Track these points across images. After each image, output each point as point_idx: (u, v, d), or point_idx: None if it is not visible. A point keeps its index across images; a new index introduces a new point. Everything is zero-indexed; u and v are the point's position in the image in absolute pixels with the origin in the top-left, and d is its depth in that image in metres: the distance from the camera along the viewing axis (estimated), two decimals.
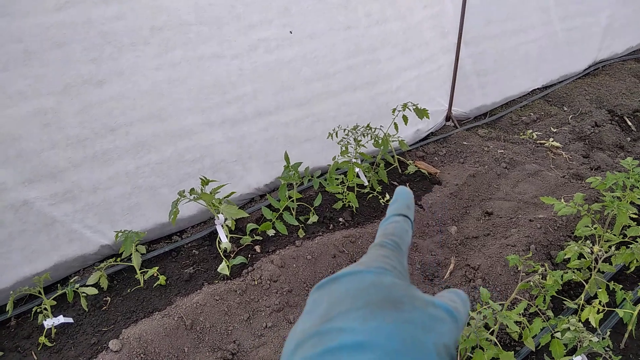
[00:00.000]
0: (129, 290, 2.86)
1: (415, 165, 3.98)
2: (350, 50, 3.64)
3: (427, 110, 3.65)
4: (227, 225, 3.17)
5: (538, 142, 4.59)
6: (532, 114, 5.13)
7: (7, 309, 2.60)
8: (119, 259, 2.98)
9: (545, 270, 2.46)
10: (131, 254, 2.82)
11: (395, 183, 3.86)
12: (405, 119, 3.67)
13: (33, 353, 2.54)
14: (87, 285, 2.78)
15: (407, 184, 3.84)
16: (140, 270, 2.86)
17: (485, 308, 2.29)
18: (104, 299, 2.82)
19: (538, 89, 5.63)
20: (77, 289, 2.71)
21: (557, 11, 5.26)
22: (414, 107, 3.65)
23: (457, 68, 4.50)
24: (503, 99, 5.24)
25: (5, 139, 2.51)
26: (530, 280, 2.44)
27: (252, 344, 2.58)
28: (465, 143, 4.42)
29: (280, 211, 3.24)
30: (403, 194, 0.81)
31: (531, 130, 4.77)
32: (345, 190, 3.47)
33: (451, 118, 4.74)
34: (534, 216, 3.42)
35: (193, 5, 2.83)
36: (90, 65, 2.63)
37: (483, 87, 4.94)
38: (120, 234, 2.76)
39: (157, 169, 3.06)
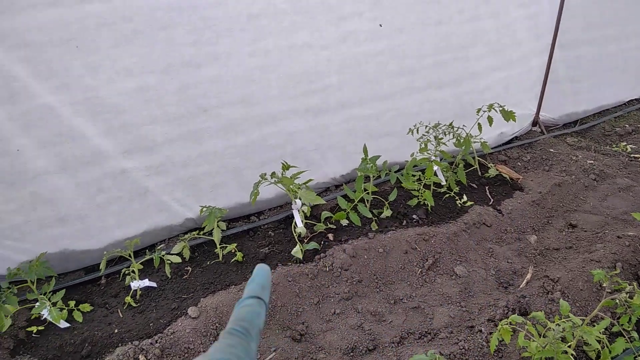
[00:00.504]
0: (208, 263, 3.02)
1: (497, 169, 3.86)
2: (439, 47, 3.58)
3: (514, 113, 3.53)
4: (302, 211, 3.24)
5: (632, 155, 4.28)
6: (627, 125, 4.80)
7: (100, 268, 2.81)
8: (201, 233, 3.15)
9: (633, 289, 2.31)
10: (213, 229, 2.97)
11: (473, 185, 3.76)
12: (490, 120, 3.57)
13: (119, 311, 2.75)
14: (172, 254, 2.96)
15: (487, 188, 3.73)
16: (219, 245, 3.01)
17: (563, 321, 2.19)
18: (186, 268, 2.99)
19: (636, 99, 5.26)
20: (163, 256, 2.90)
21: None
22: (501, 108, 3.53)
23: (549, 72, 4.30)
24: (596, 107, 4.95)
25: (111, 111, 2.73)
26: (615, 298, 2.30)
27: (319, 327, 2.64)
28: (552, 150, 4.22)
29: (355, 202, 3.27)
30: (260, 274, 0.84)
31: (625, 143, 4.46)
32: (421, 187, 3.43)
33: (538, 123, 4.54)
34: (623, 233, 3.20)
35: None
36: (191, 48, 2.78)
37: (575, 94, 4.69)
38: (204, 209, 2.91)
39: (243, 151, 3.19)
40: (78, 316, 2.66)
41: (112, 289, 2.93)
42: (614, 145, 4.47)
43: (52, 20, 2.42)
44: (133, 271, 2.84)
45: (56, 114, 2.60)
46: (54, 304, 2.64)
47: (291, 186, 3.03)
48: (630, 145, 4.43)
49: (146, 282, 2.80)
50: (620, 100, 5.12)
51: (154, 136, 2.88)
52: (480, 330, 2.55)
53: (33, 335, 2.60)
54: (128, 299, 2.76)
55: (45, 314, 2.59)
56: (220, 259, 3.02)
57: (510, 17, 3.80)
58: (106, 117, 2.73)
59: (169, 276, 2.90)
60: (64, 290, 2.74)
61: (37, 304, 2.60)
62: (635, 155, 4.27)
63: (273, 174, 2.97)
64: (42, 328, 2.62)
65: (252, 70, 3.02)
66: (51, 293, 2.72)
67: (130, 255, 2.85)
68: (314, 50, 3.16)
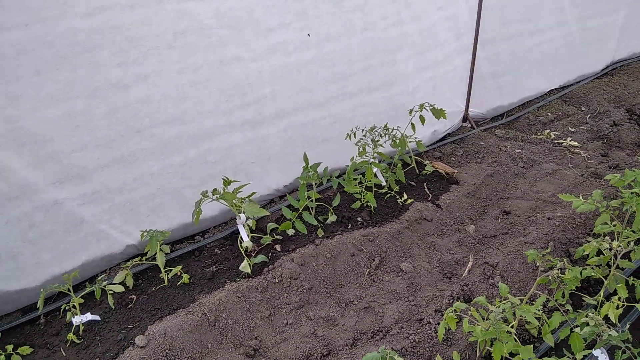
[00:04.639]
0: (153, 289, 2.94)
1: (433, 166, 4.01)
2: (367, 52, 3.69)
3: (444, 110, 3.68)
4: (248, 225, 3.23)
5: (556, 141, 4.58)
6: (549, 114, 5.12)
7: (37, 307, 2.68)
8: (144, 258, 3.06)
9: (564, 265, 2.45)
10: (156, 253, 2.89)
11: (412, 183, 3.89)
12: (422, 119, 3.71)
13: (62, 349, 2.62)
14: (114, 284, 2.86)
15: (425, 184, 3.86)
16: (164, 269, 2.94)
17: (503, 302, 2.29)
18: (130, 297, 2.89)
19: (555, 89, 5.62)
20: (105, 287, 2.79)
21: (572, 11, 5.26)
22: (431, 107, 3.68)
23: (474, 69, 4.52)
24: (520, 99, 5.25)
25: (37, 141, 2.61)
26: (549, 275, 2.44)
27: (273, 340, 2.63)
28: (482, 143, 4.44)
29: (300, 211, 3.30)
30: None
31: (549, 130, 4.76)
32: (363, 190, 3.51)
33: (468, 119, 4.76)
34: (552, 214, 3.41)
35: (214, 9, 2.91)
36: (117, 69, 2.72)
37: (499, 88, 4.95)
38: (145, 233, 2.84)
39: (180, 170, 3.14)
40: None
41: (52, 327, 2.78)
42: (539, 134, 4.75)
43: None
44: (74, 306, 2.71)
45: None
46: None
47: (234, 201, 3.01)
48: (554, 132, 4.73)
49: (88, 316, 2.69)
50: (541, 91, 5.46)
51: (85, 163, 2.78)
52: (429, 322, 2.63)
53: None
54: (70, 335, 2.63)
55: None
56: (166, 283, 2.95)
57: (431, 19, 3.98)
58: (32, 147, 2.61)
59: (113, 307, 2.79)
60: None
61: None
62: (559, 141, 4.56)
63: (215, 191, 2.94)
64: None
65: (184, 87, 2.98)
66: None
67: (69, 290, 2.73)
68: (244, 62, 3.17)
